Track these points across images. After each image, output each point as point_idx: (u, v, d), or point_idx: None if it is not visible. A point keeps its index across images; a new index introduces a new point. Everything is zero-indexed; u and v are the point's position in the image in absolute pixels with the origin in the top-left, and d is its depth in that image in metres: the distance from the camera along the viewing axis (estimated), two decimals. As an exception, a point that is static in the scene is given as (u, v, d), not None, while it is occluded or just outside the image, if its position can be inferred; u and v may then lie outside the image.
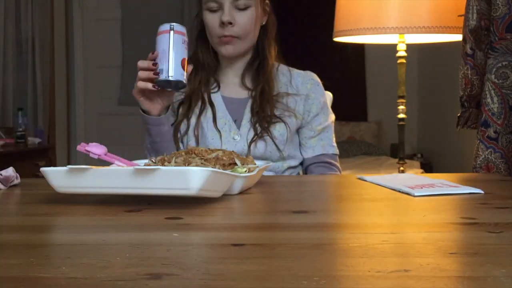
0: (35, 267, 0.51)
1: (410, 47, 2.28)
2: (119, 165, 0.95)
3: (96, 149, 0.94)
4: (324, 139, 1.43)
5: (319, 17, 4.43)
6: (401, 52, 2.16)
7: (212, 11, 1.34)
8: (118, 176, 0.81)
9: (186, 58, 1.19)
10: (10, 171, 1.06)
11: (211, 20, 1.34)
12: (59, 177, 0.84)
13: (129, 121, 4.69)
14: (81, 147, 0.94)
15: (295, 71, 1.46)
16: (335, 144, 1.45)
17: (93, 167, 0.84)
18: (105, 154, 0.95)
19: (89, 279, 0.47)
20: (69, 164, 4.63)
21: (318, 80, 1.46)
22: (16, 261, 0.54)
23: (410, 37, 2.20)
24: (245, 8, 1.34)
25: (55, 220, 0.78)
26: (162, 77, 1.17)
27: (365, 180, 1.09)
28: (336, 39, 2.21)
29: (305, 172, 1.45)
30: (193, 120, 1.39)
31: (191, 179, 0.76)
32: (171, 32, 1.18)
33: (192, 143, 1.38)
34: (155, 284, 0.45)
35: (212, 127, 1.37)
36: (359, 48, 4.61)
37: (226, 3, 1.32)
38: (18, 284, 0.46)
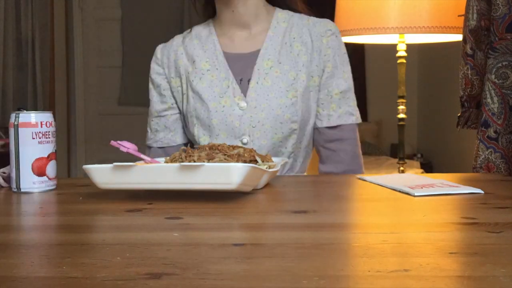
0: (35, 267, 0.51)
1: (410, 47, 2.28)
2: (145, 160, 0.98)
3: (127, 144, 0.97)
4: (342, 105, 1.24)
5: (319, 17, 4.43)
6: (401, 52, 2.16)
7: None
8: (163, 173, 0.84)
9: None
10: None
11: None
12: (103, 174, 0.86)
13: (129, 121, 4.70)
14: (114, 142, 0.96)
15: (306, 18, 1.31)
16: (355, 112, 1.26)
17: (137, 163, 0.86)
18: (135, 151, 0.98)
19: (89, 278, 0.47)
20: (69, 164, 4.64)
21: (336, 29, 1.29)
22: (16, 261, 0.54)
23: (410, 37, 2.20)
24: None
25: (55, 220, 0.78)
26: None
27: (365, 180, 1.09)
28: (336, 39, 2.21)
29: (317, 150, 1.29)
30: (191, 100, 1.22)
31: (233, 174, 0.80)
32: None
33: (200, 130, 1.22)
34: (155, 283, 0.45)
35: (210, 97, 1.20)
36: (359, 48, 4.61)
37: None
38: (18, 284, 0.46)
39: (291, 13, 1.30)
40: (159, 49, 1.33)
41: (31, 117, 0.97)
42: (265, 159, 1.00)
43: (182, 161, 0.94)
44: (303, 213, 0.77)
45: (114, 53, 4.86)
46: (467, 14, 1.49)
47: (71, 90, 4.86)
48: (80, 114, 4.93)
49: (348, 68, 1.27)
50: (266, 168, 0.96)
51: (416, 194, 0.88)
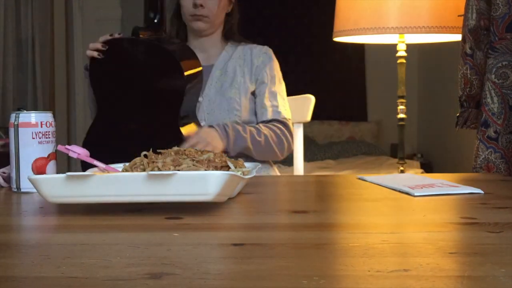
0: (35, 267, 0.51)
1: (410, 47, 2.28)
2: (99, 167, 0.91)
3: (77, 149, 0.91)
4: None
5: (319, 17, 4.43)
6: (401, 52, 2.16)
7: None
8: (128, 183, 0.74)
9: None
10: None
11: (186, 1, 1.65)
12: (54, 185, 0.75)
13: (129, 121, 4.70)
14: (62, 147, 0.91)
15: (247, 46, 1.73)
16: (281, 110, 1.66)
17: (96, 173, 0.78)
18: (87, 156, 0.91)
19: (89, 278, 0.47)
20: (69, 163, 4.64)
21: (270, 52, 1.71)
22: (16, 261, 0.54)
23: (410, 37, 2.20)
24: None
25: (55, 220, 0.78)
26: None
27: (365, 180, 1.09)
28: (336, 39, 2.21)
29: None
30: None
31: (210, 183, 0.72)
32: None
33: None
34: (155, 283, 0.45)
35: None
36: (359, 48, 4.61)
37: None
38: (18, 284, 0.47)
39: (237, 44, 1.75)
40: None
41: (31, 117, 0.98)
42: (237, 164, 0.92)
43: (144, 168, 0.87)
44: (303, 213, 0.77)
45: (114, 53, 4.86)
46: (466, 14, 1.49)
47: (71, 90, 4.86)
48: (80, 114, 4.93)
49: (277, 77, 1.71)
50: (241, 174, 0.88)
51: (416, 194, 0.88)
